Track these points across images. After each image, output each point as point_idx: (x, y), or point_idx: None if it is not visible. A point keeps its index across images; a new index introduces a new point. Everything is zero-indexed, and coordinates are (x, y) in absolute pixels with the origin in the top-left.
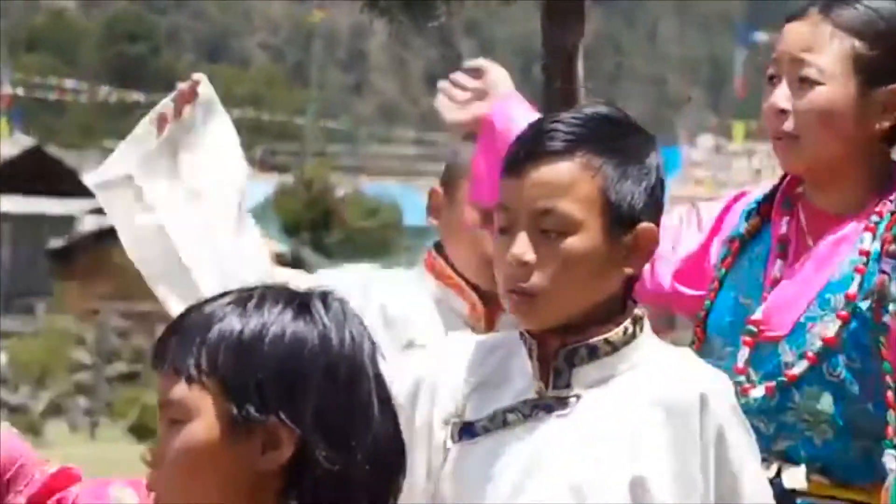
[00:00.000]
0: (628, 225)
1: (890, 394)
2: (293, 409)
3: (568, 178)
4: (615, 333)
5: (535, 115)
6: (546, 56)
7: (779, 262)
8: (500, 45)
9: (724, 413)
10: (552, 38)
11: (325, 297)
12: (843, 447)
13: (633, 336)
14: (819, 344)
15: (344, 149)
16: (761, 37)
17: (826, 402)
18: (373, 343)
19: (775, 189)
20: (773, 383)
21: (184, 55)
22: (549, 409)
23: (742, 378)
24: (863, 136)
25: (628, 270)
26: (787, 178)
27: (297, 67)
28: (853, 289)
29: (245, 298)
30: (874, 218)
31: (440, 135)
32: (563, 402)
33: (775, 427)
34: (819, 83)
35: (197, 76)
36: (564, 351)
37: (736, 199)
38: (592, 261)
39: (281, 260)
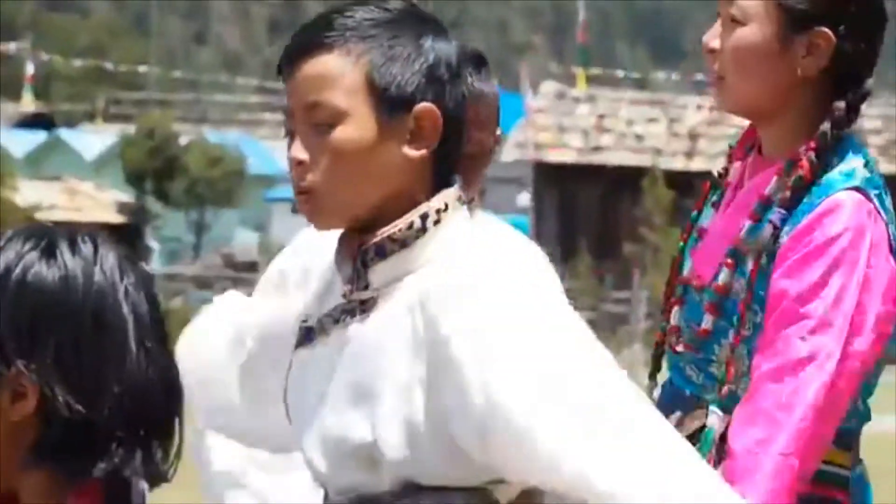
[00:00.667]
0: (403, 108)
1: (728, 353)
2: (33, 358)
3: (330, 69)
4: (399, 229)
5: None
6: None
7: (711, 211)
8: None
9: (452, 322)
10: None
11: (72, 237)
12: None
13: (424, 230)
14: (714, 294)
15: (187, 98)
16: None
17: (742, 355)
18: (142, 280)
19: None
20: (690, 339)
21: (25, 5)
22: (352, 313)
23: (673, 337)
24: (786, 81)
25: (412, 153)
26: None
27: (138, 17)
28: (742, 234)
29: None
30: (788, 160)
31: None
32: (364, 305)
33: (704, 377)
34: (742, 23)
35: None
36: (360, 251)
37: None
38: (364, 150)
39: (125, 208)
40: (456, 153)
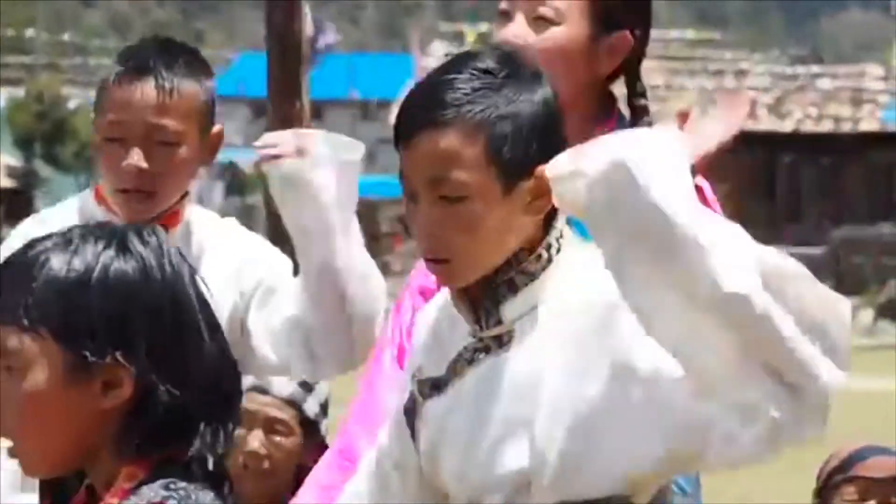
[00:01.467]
0: (524, 173)
1: None
2: (127, 347)
3: (452, 147)
4: (530, 263)
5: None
6: None
7: None
8: None
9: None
10: None
11: (139, 231)
12: None
13: (549, 260)
14: None
15: (75, 61)
16: None
17: None
18: (192, 269)
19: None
20: None
21: None
22: (488, 350)
23: None
24: (589, 78)
25: (534, 217)
26: None
27: None
28: None
29: (66, 241)
30: None
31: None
32: (499, 341)
33: None
34: (556, 23)
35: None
36: (490, 290)
37: None
38: (494, 218)
39: (14, 172)
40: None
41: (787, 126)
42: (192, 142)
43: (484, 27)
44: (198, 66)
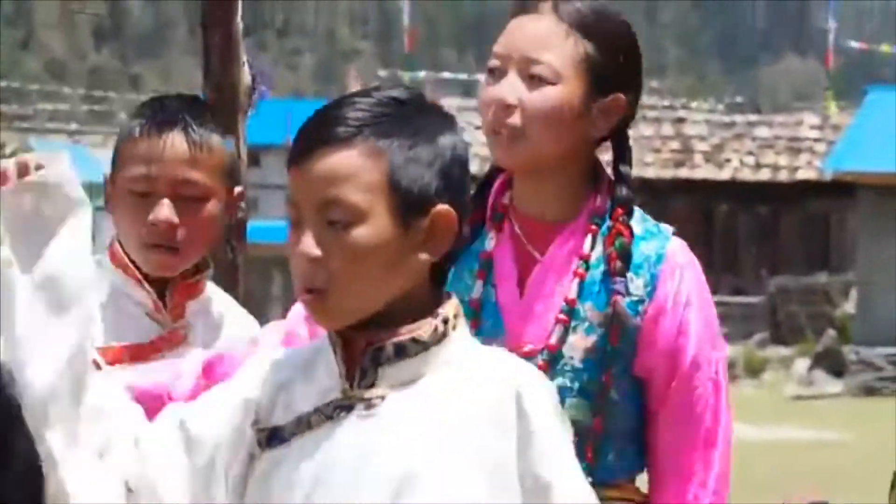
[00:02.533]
0: (421, 209)
1: (598, 420)
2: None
3: (350, 166)
4: (425, 332)
5: None
6: (205, 10)
7: (479, 283)
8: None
9: (540, 413)
10: None
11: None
12: (609, 458)
13: (445, 334)
14: (546, 353)
15: (12, 107)
16: None
17: (583, 411)
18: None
19: (479, 198)
20: None
21: None
22: (350, 410)
23: None
24: (580, 140)
25: (424, 257)
26: (493, 187)
27: None
28: (572, 293)
29: None
30: (595, 218)
31: (110, 93)
32: (366, 403)
33: None
34: (552, 83)
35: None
36: (371, 350)
37: None
38: (383, 250)
39: None
40: (454, 251)
41: (724, 174)
42: (220, 198)
43: (421, 74)
44: (218, 125)
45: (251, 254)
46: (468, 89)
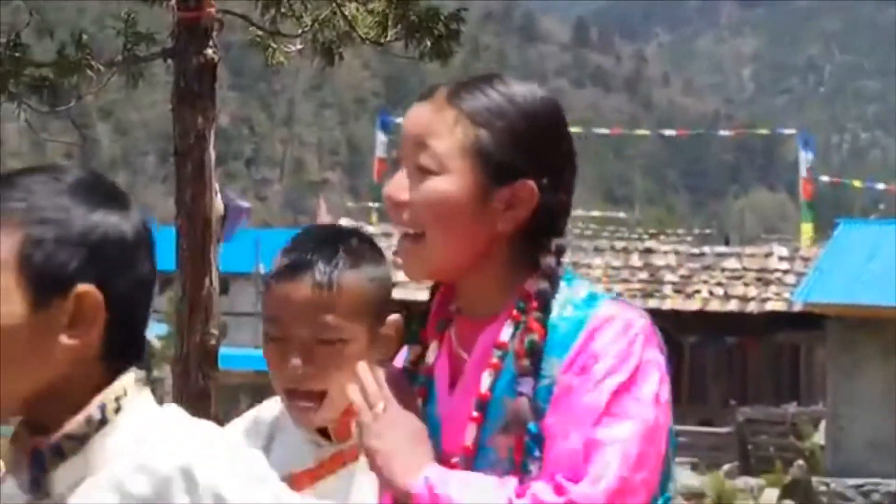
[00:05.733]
0: (59, 290)
1: None
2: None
3: None
4: (76, 424)
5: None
6: (178, 140)
7: (418, 402)
8: (135, 128)
9: (217, 478)
10: (184, 122)
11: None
12: None
13: (104, 422)
14: (462, 458)
15: None
16: (399, 120)
17: None
18: None
19: (428, 311)
20: None
21: None
22: None
23: None
24: (485, 236)
25: (70, 342)
26: (436, 296)
27: None
28: (484, 386)
29: None
30: (520, 303)
31: None
32: None
33: None
34: (437, 173)
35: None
36: (35, 455)
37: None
38: (17, 335)
39: None
40: (134, 333)
41: (693, 305)
42: (361, 338)
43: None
44: (364, 254)
45: (221, 381)
46: None
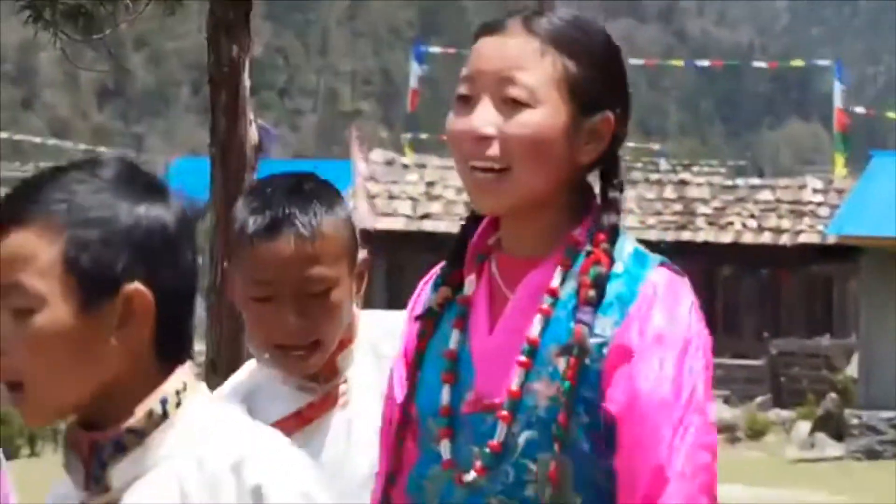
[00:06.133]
0: (107, 291)
1: (553, 464)
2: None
3: (25, 248)
4: (137, 419)
5: None
6: (212, 69)
7: (454, 332)
8: (170, 58)
9: (262, 475)
10: (218, 51)
11: None
12: None
13: (164, 416)
14: (509, 400)
15: (14, 163)
16: (433, 50)
17: (561, 468)
18: None
19: (461, 247)
20: (481, 460)
21: None
22: None
23: (451, 470)
24: (569, 168)
25: (121, 341)
26: (478, 229)
27: None
28: (534, 332)
29: None
30: (569, 250)
31: (112, 150)
32: None
33: None
34: (530, 105)
35: None
36: (95, 450)
37: (426, 281)
38: (67, 340)
39: None
40: (183, 326)
41: (726, 237)
42: (343, 281)
43: (424, 136)
44: (332, 197)
45: None
46: None
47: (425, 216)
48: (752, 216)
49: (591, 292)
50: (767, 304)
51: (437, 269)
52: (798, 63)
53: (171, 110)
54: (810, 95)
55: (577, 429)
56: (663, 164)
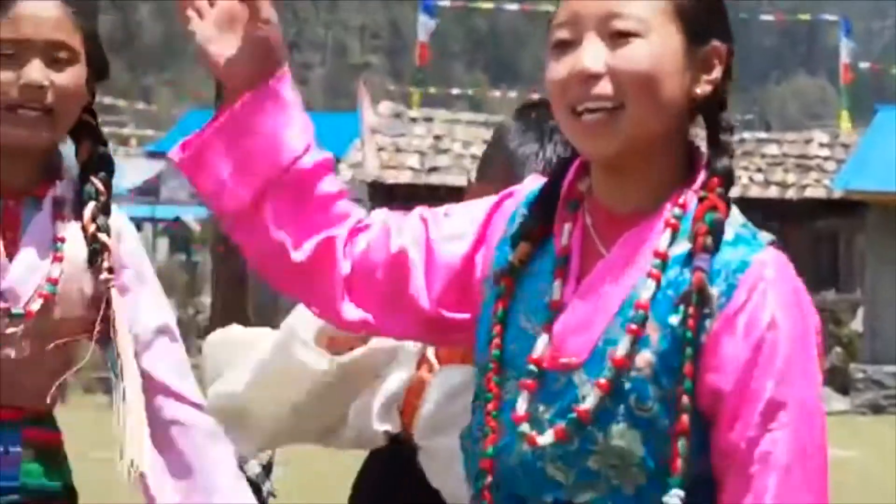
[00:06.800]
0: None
1: (685, 417)
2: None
3: None
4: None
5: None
6: None
7: (557, 283)
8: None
9: None
10: None
11: None
12: (659, 494)
13: None
14: (611, 368)
15: None
16: (442, 3)
17: (634, 441)
18: None
19: (550, 190)
20: (563, 424)
21: None
22: None
23: (525, 426)
24: (683, 104)
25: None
26: (569, 173)
27: None
28: (645, 296)
29: None
30: (676, 211)
31: (120, 101)
32: None
33: (576, 475)
34: (640, 36)
35: None
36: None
37: (502, 200)
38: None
39: None
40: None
41: (733, 191)
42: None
43: (432, 90)
44: None
45: None
46: (477, 104)
47: (433, 169)
48: (759, 170)
49: (708, 240)
50: None
51: (511, 196)
52: (805, 17)
53: (179, 63)
54: (817, 50)
55: (656, 402)
56: None
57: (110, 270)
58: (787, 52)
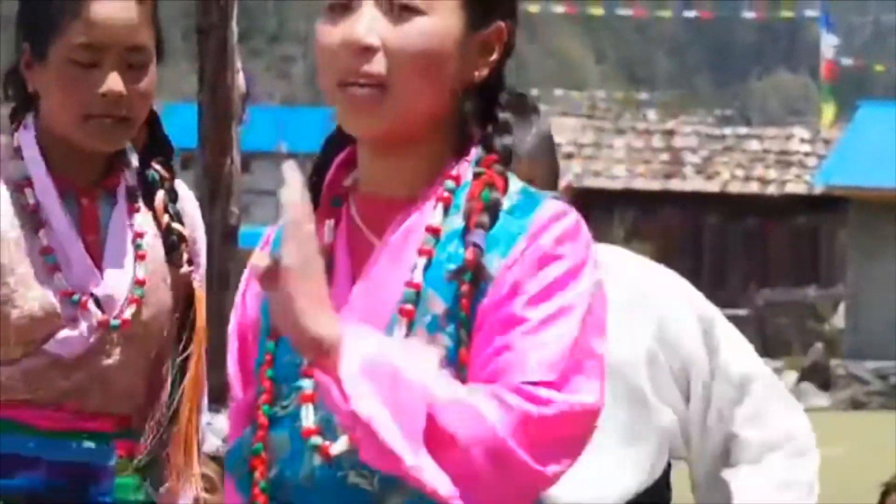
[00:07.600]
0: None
1: None
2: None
3: None
4: None
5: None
6: (200, 16)
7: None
8: (160, 4)
9: None
10: None
11: None
12: None
13: None
14: None
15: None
16: None
17: None
18: None
19: (315, 190)
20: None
21: None
22: None
23: (317, 439)
24: (457, 87)
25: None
26: (331, 169)
27: None
28: (417, 276)
29: None
30: (448, 184)
31: None
32: None
33: (379, 479)
34: (423, 13)
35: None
36: None
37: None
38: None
39: None
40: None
41: (713, 186)
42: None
43: None
44: None
45: (243, 260)
46: None
47: None
48: (740, 166)
49: (485, 217)
50: (754, 254)
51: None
52: (787, 13)
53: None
54: (798, 45)
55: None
56: (651, 113)
57: (189, 262)
58: (769, 47)
